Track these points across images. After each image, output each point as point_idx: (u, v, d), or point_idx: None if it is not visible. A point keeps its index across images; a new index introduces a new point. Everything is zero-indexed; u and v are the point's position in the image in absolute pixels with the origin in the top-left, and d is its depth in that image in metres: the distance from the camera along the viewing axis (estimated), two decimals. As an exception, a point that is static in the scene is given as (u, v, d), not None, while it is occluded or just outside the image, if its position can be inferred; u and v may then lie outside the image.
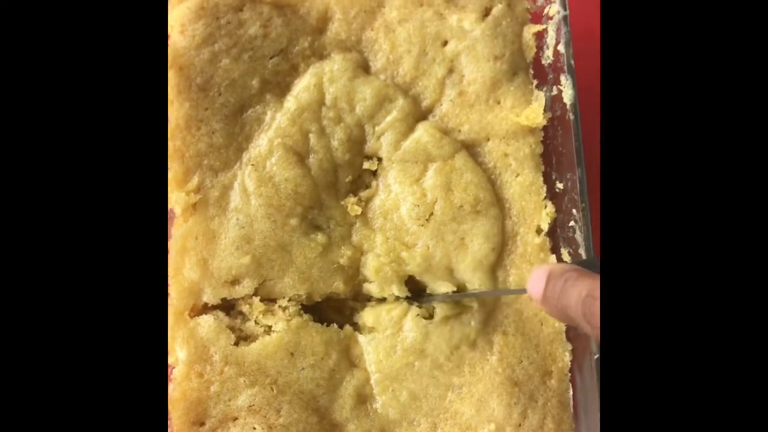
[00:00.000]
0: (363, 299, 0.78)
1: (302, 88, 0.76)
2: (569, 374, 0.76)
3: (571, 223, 0.76)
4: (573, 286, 0.56)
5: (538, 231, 0.77)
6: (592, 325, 0.55)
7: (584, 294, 0.55)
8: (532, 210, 0.77)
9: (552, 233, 0.78)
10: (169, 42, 0.75)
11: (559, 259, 0.77)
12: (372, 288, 0.76)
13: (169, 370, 0.73)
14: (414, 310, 0.75)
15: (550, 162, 0.79)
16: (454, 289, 0.76)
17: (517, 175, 0.78)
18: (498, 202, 0.78)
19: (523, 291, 0.70)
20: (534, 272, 0.60)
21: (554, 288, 0.58)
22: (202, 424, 0.71)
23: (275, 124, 0.75)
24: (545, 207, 0.77)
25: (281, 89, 0.77)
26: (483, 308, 0.76)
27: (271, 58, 0.76)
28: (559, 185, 0.78)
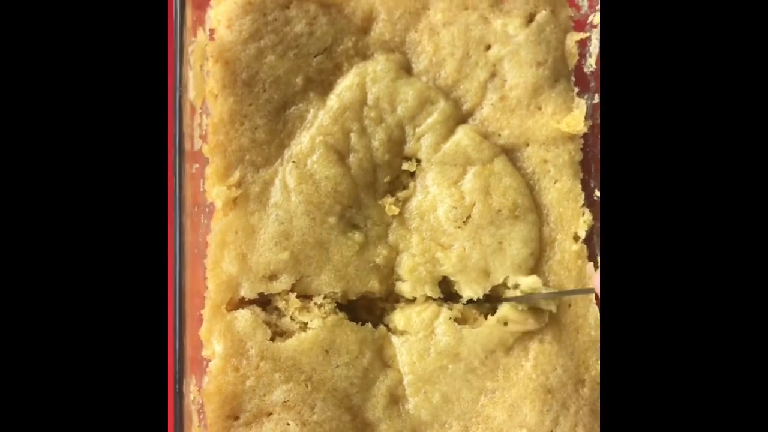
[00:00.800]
0: (393, 300, 0.78)
1: (345, 87, 0.76)
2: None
3: (610, 232, 0.76)
4: None
5: (576, 238, 0.78)
6: None
7: None
8: (569, 217, 0.77)
9: (589, 241, 0.78)
10: (215, 36, 0.76)
11: (596, 267, 0.77)
12: (404, 287, 0.76)
13: (204, 364, 0.73)
14: (445, 312, 0.75)
15: (588, 170, 0.79)
16: (486, 293, 0.76)
17: (556, 182, 0.78)
18: (536, 208, 0.78)
19: (592, 291, 0.70)
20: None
21: None
22: (237, 418, 0.71)
23: (317, 122, 0.75)
24: (583, 214, 0.77)
25: (324, 87, 0.77)
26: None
27: (315, 56, 0.76)
28: (597, 193, 0.78)
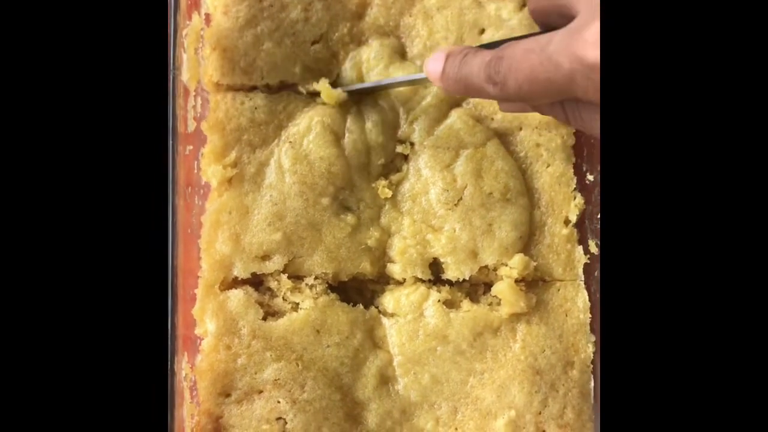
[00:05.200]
0: (384, 282, 0.79)
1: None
2: (591, 366, 0.76)
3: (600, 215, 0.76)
4: (474, 56, 0.60)
5: (566, 222, 0.78)
6: (494, 81, 0.57)
7: (488, 58, 0.58)
8: (561, 201, 0.78)
9: (580, 225, 0.78)
10: (212, 23, 0.77)
11: (586, 251, 0.78)
12: (395, 269, 0.77)
13: (196, 342, 0.75)
14: (434, 295, 0.76)
15: (581, 154, 0.79)
16: (473, 274, 0.76)
17: (548, 166, 0.78)
18: (527, 191, 0.78)
19: (423, 76, 0.69)
20: (432, 54, 0.64)
21: (454, 62, 0.61)
22: (228, 395, 0.73)
23: (316, 103, 0.77)
24: (574, 198, 0.78)
25: (323, 75, 0.77)
26: None
27: (312, 45, 0.77)
28: (590, 177, 0.78)
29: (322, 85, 0.76)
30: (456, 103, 0.79)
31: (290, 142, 0.75)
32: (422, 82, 0.74)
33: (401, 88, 0.77)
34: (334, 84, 0.77)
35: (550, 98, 0.56)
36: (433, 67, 0.64)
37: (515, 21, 0.78)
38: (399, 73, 0.77)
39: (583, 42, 0.51)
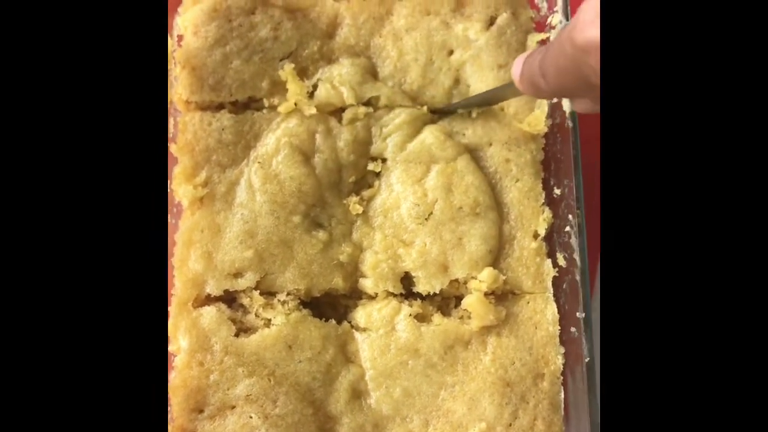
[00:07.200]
0: (356, 297, 0.80)
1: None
2: (561, 377, 0.77)
3: (567, 229, 0.78)
4: (540, 52, 0.58)
5: (535, 236, 0.79)
6: (543, 73, 0.56)
7: (545, 52, 0.56)
8: (530, 215, 0.79)
9: (548, 238, 0.79)
10: (183, 43, 0.78)
11: (555, 264, 0.79)
12: (367, 284, 0.78)
13: (170, 358, 0.75)
14: (406, 309, 0.77)
15: (548, 168, 0.81)
16: (443, 287, 0.77)
17: (517, 181, 0.80)
18: (497, 206, 0.79)
19: (511, 84, 0.68)
20: (517, 58, 0.63)
21: (527, 62, 0.60)
22: (201, 411, 0.73)
23: (283, 124, 0.78)
24: (543, 212, 0.79)
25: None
26: None
27: (281, 60, 0.79)
28: (557, 191, 0.79)
29: (288, 70, 0.77)
30: (430, 119, 0.80)
31: (259, 162, 0.76)
32: (515, 92, 0.71)
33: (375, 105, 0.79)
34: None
35: (580, 87, 0.53)
36: (515, 69, 0.62)
37: (482, 41, 0.80)
38: (373, 92, 0.79)
39: (574, 23, 0.49)
